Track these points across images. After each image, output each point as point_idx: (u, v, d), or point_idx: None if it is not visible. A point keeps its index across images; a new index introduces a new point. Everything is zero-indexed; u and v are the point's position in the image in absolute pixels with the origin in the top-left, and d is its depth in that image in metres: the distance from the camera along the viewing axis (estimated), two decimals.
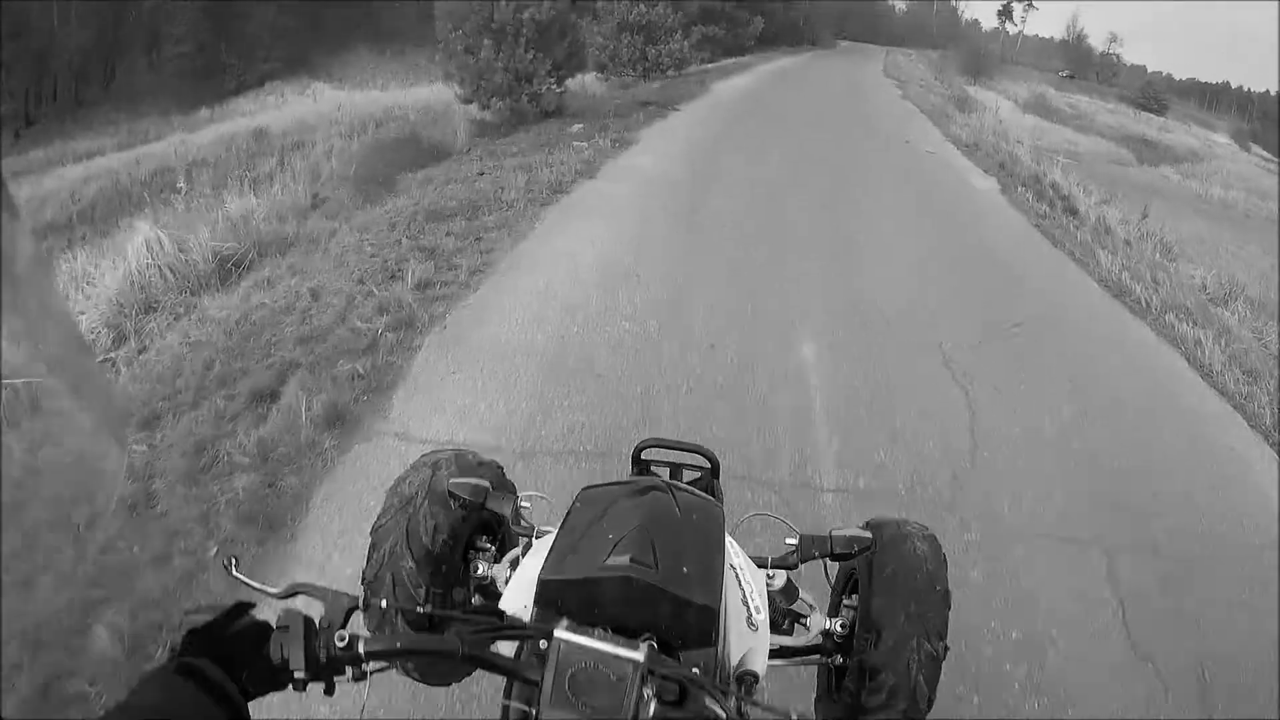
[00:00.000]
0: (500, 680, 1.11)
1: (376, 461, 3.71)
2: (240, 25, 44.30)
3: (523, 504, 1.62)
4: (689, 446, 1.93)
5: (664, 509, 1.23)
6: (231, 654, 0.89)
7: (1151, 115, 66.03)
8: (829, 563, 1.62)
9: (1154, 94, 78.81)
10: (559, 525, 1.25)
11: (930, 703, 1.47)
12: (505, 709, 1.13)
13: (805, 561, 1.56)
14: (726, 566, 1.24)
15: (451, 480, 1.58)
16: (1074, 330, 6.57)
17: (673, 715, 0.97)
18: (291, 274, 6.10)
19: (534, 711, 1.00)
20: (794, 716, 0.90)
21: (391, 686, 2.30)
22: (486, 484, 1.57)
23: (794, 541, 1.56)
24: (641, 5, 20.51)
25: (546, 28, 12.48)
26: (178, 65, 43.35)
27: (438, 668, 1.54)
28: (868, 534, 1.55)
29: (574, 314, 5.36)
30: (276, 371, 4.45)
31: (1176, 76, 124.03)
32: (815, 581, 1.79)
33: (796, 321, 5.73)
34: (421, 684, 1.61)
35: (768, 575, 1.52)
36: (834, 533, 1.54)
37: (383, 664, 1.00)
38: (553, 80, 13.22)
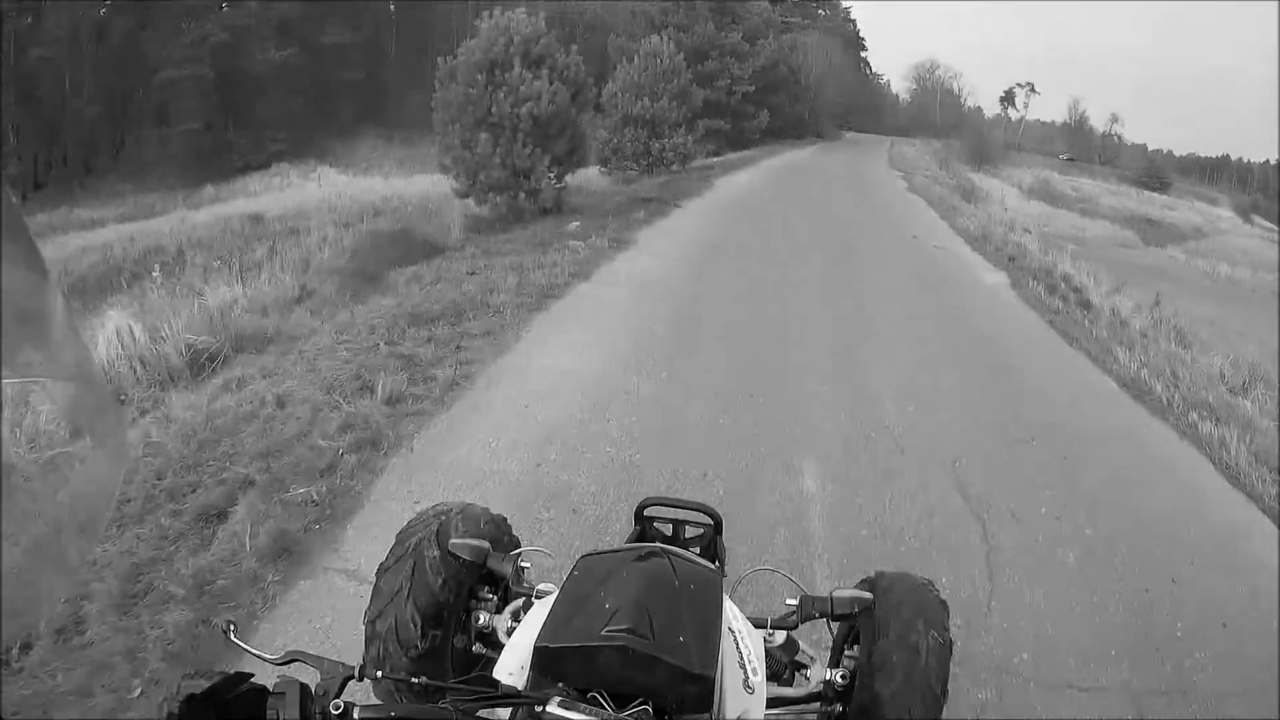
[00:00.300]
0: None
1: (320, 603, 3.30)
2: (249, 105, 45.52)
3: (523, 564, 1.70)
4: (691, 505, 1.97)
5: (663, 577, 1.27)
6: (228, 718, 0.90)
7: (1154, 194, 66.34)
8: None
9: (1156, 173, 79.53)
10: (558, 590, 1.29)
11: None
12: None
13: (805, 621, 1.61)
14: (725, 630, 1.28)
15: (453, 541, 1.64)
16: (1096, 439, 6.08)
17: None
18: (262, 375, 5.72)
19: None
20: None
21: None
22: (487, 546, 1.63)
23: (794, 602, 1.62)
24: (645, 99, 20.61)
25: (546, 123, 12.34)
26: (185, 141, 44.11)
27: None
28: (868, 595, 1.61)
29: (553, 437, 4.90)
30: (228, 489, 4.08)
31: (1177, 153, 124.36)
32: (819, 630, 1.84)
33: (800, 441, 5.26)
34: None
35: (767, 635, 1.60)
36: (835, 594, 1.59)
37: None
38: (552, 176, 13.04)
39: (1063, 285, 11.97)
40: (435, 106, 13.06)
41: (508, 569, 1.63)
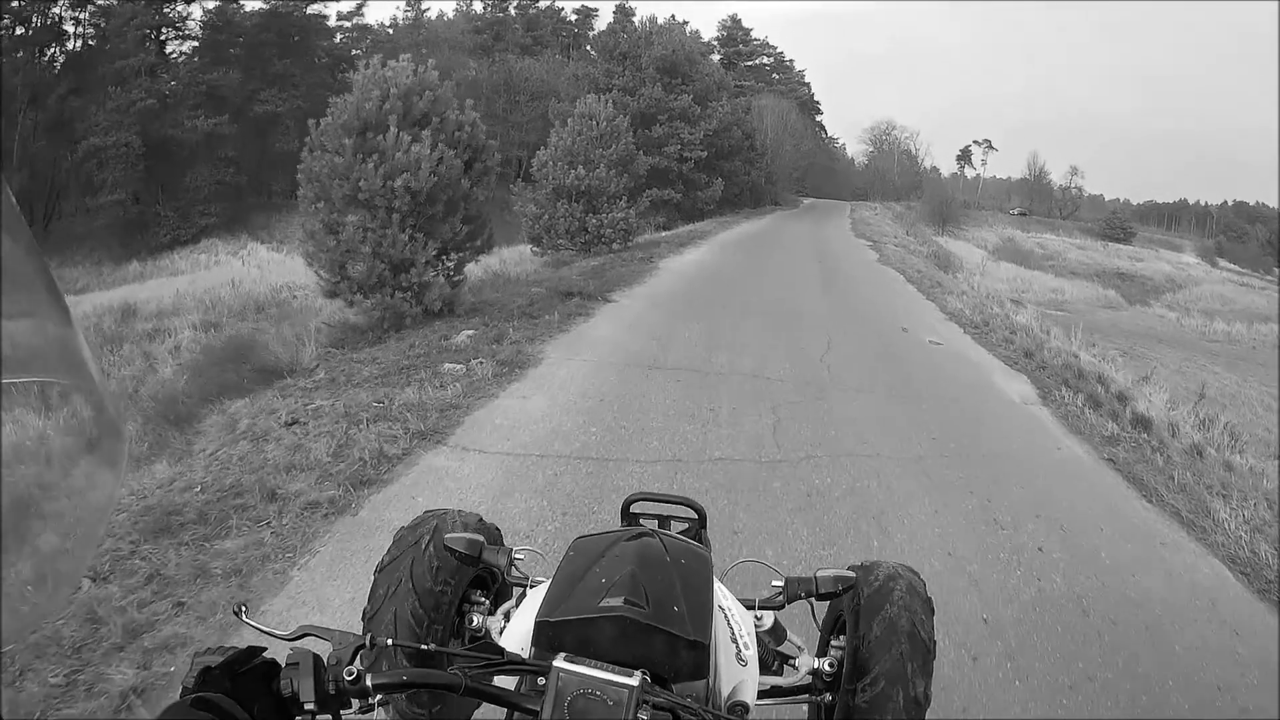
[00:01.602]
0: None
1: None
2: (179, 176, 42.73)
3: (517, 556, 1.70)
4: (677, 499, 2.09)
5: (654, 554, 1.31)
6: (243, 690, 0.92)
7: (1119, 245, 67.69)
8: (816, 605, 1.73)
9: (1119, 223, 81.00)
10: (553, 573, 1.32)
11: None
12: None
13: (792, 601, 1.64)
14: (715, 607, 1.34)
15: (447, 536, 1.64)
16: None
17: None
18: None
19: None
20: None
21: None
22: (481, 539, 1.64)
23: (780, 584, 1.65)
24: (579, 168, 17.92)
25: (428, 199, 9.45)
26: (112, 214, 41.64)
27: (442, 708, 1.66)
28: (851, 574, 1.63)
29: None
30: None
31: (1134, 201, 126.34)
32: (805, 626, 1.89)
33: None
34: None
35: (756, 616, 1.63)
36: (819, 573, 1.61)
37: (388, 697, 1.03)
38: (449, 267, 10.16)
39: (1098, 388, 9.29)
40: (300, 180, 10.08)
41: (502, 560, 1.64)
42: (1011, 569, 4.61)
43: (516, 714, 1.15)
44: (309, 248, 10.01)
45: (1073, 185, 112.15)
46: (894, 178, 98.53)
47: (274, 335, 9.53)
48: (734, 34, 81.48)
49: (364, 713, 1.02)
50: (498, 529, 1.96)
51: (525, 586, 1.72)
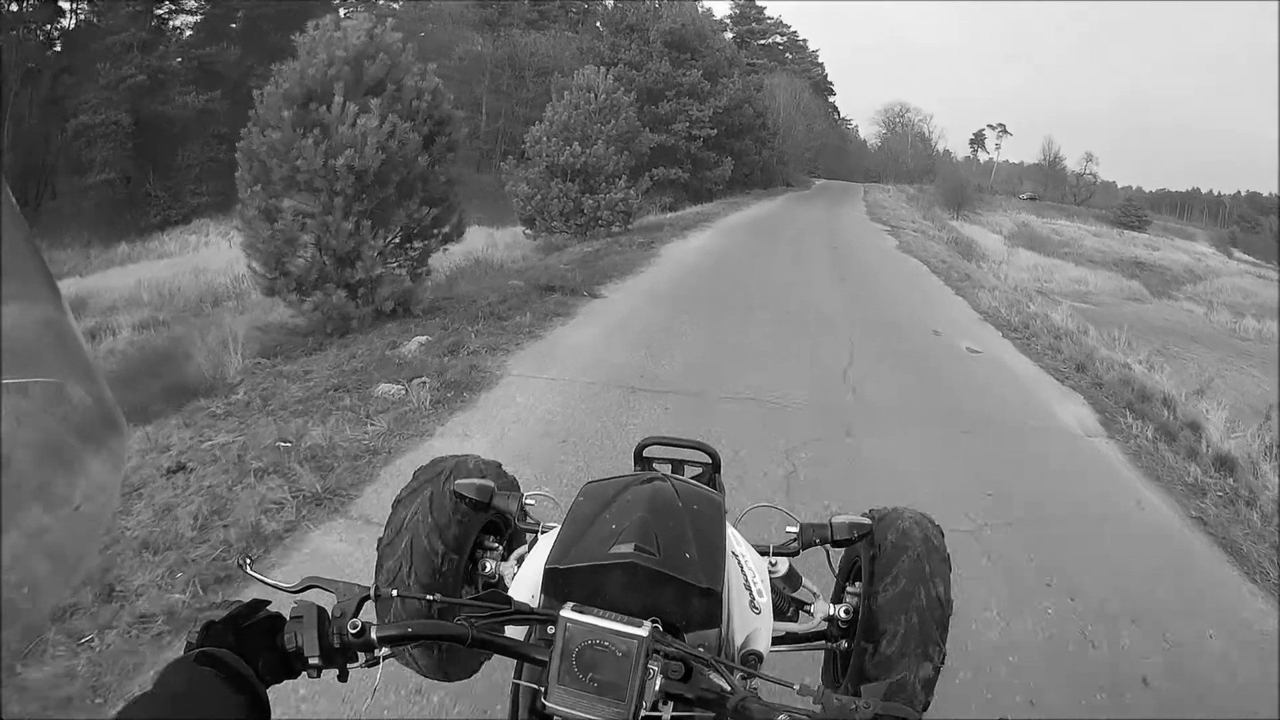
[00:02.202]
0: (507, 672, 1.20)
1: None
2: (170, 155, 41.17)
3: (528, 502, 1.66)
4: (690, 443, 2.02)
5: (666, 499, 1.28)
6: (247, 644, 0.91)
7: (1135, 233, 66.29)
8: (831, 551, 1.72)
9: (1134, 211, 78.87)
10: (563, 518, 1.29)
11: (927, 703, 1.51)
12: (515, 689, 1.19)
13: (807, 548, 1.60)
14: (728, 554, 1.29)
15: (457, 482, 1.62)
16: None
17: (677, 690, 0.99)
18: None
19: (543, 690, 1.00)
20: (797, 687, 0.95)
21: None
22: (492, 485, 1.61)
23: (795, 529, 1.61)
24: (575, 144, 16.43)
25: (380, 180, 8.00)
26: (103, 194, 40.11)
27: (450, 658, 1.66)
28: (867, 520, 1.62)
29: None
30: None
31: (1146, 189, 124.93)
32: (821, 572, 1.85)
33: None
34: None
35: (770, 563, 1.59)
36: (834, 519, 1.60)
37: (394, 649, 1.01)
38: (404, 260, 8.74)
39: (1166, 414, 7.85)
40: (239, 159, 8.58)
41: (513, 506, 1.60)
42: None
43: (526, 664, 1.15)
44: (247, 236, 8.54)
45: (1087, 171, 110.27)
46: (907, 160, 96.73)
47: (200, 343, 8.08)
48: (747, 12, 79.33)
49: (370, 666, 0.99)
50: (514, 478, 1.90)
51: (536, 533, 1.63)
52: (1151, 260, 50.23)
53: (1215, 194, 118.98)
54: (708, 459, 2.03)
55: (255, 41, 46.16)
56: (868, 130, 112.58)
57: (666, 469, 1.95)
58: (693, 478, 1.96)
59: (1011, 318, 11.70)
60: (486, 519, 1.75)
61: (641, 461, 2.03)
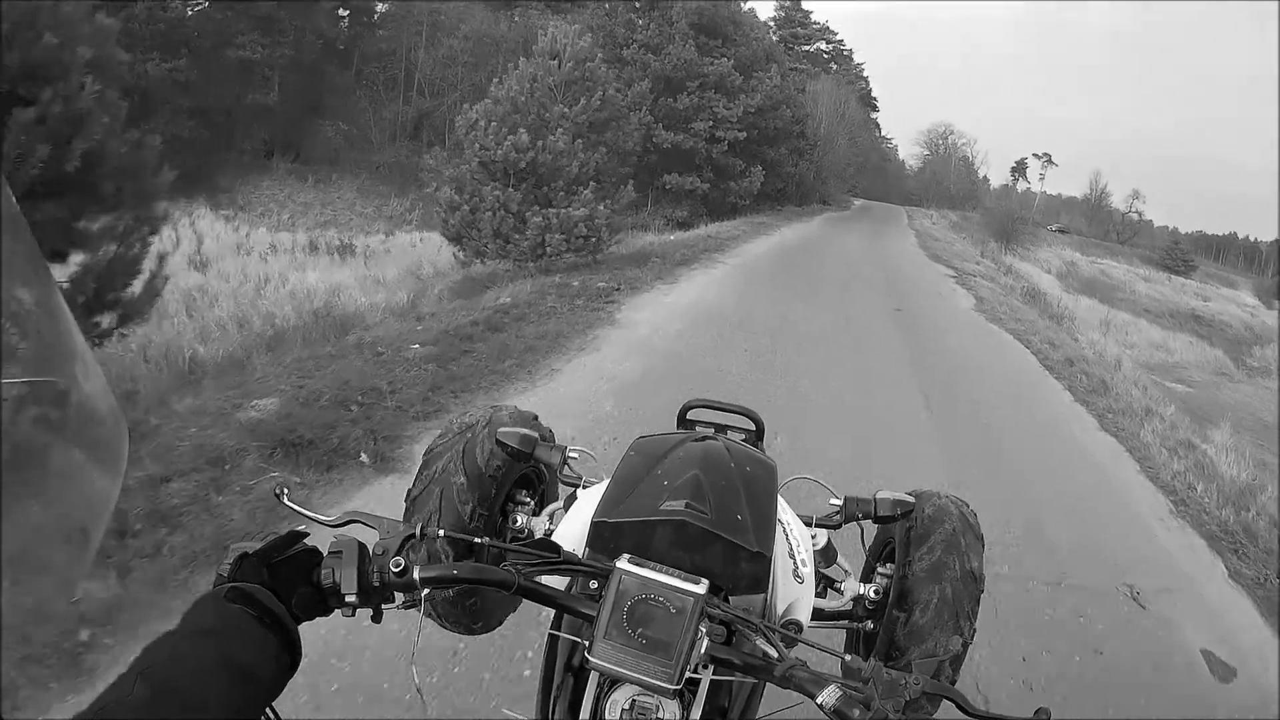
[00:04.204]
0: (537, 622, 1.26)
1: None
2: (131, 129, 35.98)
3: (571, 455, 1.60)
4: (735, 408, 1.97)
5: (719, 458, 1.24)
6: (280, 579, 0.89)
7: (1183, 280, 63.42)
8: (865, 530, 1.73)
9: (1180, 254, 74.29)
10: (612, 472, 1.25)
11: (954, 681, 1.48)
12: (553, 640, 1.19)
13: (849, 522, 1.58)
14: (776, 519, 1.26)
15: (501, 429, 1.56)
16: None
17: (722, 654, 0.96)
18: None
19: (585, 644, 0.97)
20: (847, 658, 0.92)
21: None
22: (536, 435, 1.55)
23: (838, 502, 1.58)
24: (522, 134, 10.98)
25: None
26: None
27: (478, 609, 1.65)
28: (911, 500, 1.56)
29: None
30: None
31: (1182, 229, 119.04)
32: (849, 548, 1.77)
33: None
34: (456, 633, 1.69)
35: (812, 534, 1.53)
36: (878, 495, 1.54)
37: (434, 591, 0.99)
38: None
39: None
40: None
41: (555, 458, 1.54)
42: None
43: (566, 617, 1.13)
44: None
45: (1132, 209, 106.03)
46: (949, 184, 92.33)
47: None
48: (792, 15, 73.49)
49: (407, 607, 0.97)
50: (551, 431, 1.77)
51: (577, 487, 1.60)
52: (1207, 313, 46.85)
53: (1252, 239, 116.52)
54: (752, 425, 1.94)
55: (240, 5, 41.56)
56: (907, 151, 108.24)
57: (710, 432, 1.72)
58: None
59: (1220, 511, 6.08)
60: (521, 471, 1.71)
61: (685, 424, 1.95)
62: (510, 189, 11.18)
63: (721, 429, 1.86)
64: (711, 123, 26.18)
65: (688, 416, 1.96)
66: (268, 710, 0.81)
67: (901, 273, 18.16)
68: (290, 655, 0.83)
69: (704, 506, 1.09)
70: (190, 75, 37.51)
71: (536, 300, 8.76)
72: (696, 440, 1.28)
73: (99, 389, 0.89)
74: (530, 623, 2.64)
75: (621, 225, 12.45)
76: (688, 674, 0.93)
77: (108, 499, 0.94)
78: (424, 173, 12.45)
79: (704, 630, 0.94)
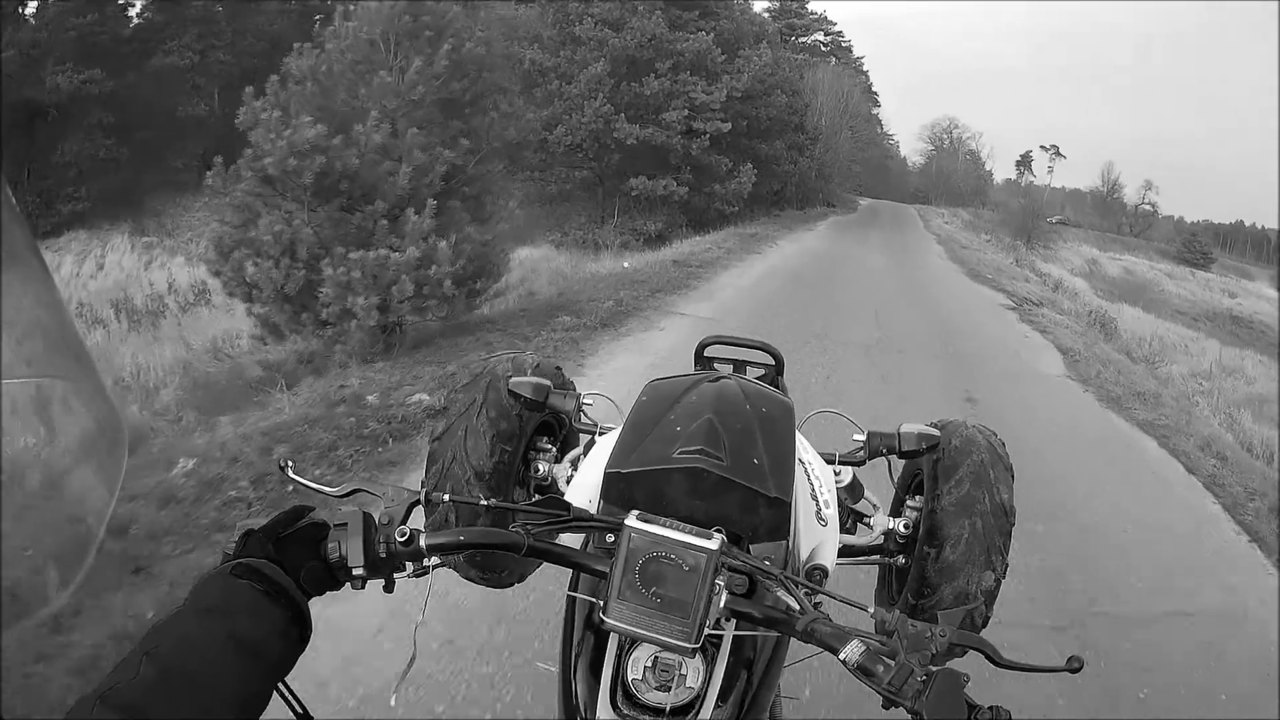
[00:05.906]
0: (560, 580, 1.12)
1: None
2: (50, 149, 32.98)
3: (586, 402, 1.59)
4: (753, 343, 1.93)
5: (733, 400, 1.20)
6: (288, 554, 0.87)
7: (1207, 274, 61.14)
8: (893, 463, 1.68)
9: (1198, 247, 72.85)
10: (624, 420, 1.21)
11: (986, 619, 1.46)
12: (571, 601, 1.14)
13: (873, 458, 1.54)
14: (795, 461, 1.21)
15: (513, 380, 1.54)
16: None
17: (742, 608, 0.94)
18: None
19: (601, 603, 0.92)
20: (871, 611, 0.90)
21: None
22: (548, 383, 1.52)
23: (861, 438, 1.54)
24: (307, 122, 6.31)
25: None
26: None
27: (499, 565, 1.59)
28: (936, 432, 1.50)
29: None
30: None
31: (1188, 219, 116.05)
32: (879, 482, 1.72)
33: None
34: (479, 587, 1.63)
35: (835, 472, 1.53)
36: (902, 429, 1.49)
37: (443, 559, 0.98)
38: None
39: None
40: None
41: (569, 405, 1.52)
42: None
43: (583, 575, 1.10)
44: None
45: (1145, 201, 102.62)
46: (957, 180, 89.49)
47: None
48: (787, 5, 68.66)
49: (418, 576, 0.95)
50: (572, 381, 1.77)
51: (594, 434, 1.59)
52: (1244, 314, 43.93)
53: (1260, 227, 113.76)
54: (771, 360, 1.91)
55: (168, 6, 37.21)
56: (909, 147, 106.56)
57: (727, 370, 1.77)
58: (757, 379, 1.74)
59: None
60: (541, 419, 1.66)
61: (702, 361, 1.93)
62: (311, 211, 6.55)
63: (740, 365, 1.86)
64: (688, 111, 21.04)
65: (705, 354, 1.93)
66: (280, 685, 0.80)
67: (946, 311, 12.82)
68: (300, 630, 0.82)
69: (719, 452, 1.05)
70: (105, 87, 33.38)
71: (268, 448, 4.12)
72: (711, 381, 1.23)
73: (99, 389, 0.86)
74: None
75: (500, 265, 7.63)
76: (708, 630, 0.89)
77: (109, 496, 0.88)
78: (207, 196, 7.90)
79: (722, 584, 0.89)
